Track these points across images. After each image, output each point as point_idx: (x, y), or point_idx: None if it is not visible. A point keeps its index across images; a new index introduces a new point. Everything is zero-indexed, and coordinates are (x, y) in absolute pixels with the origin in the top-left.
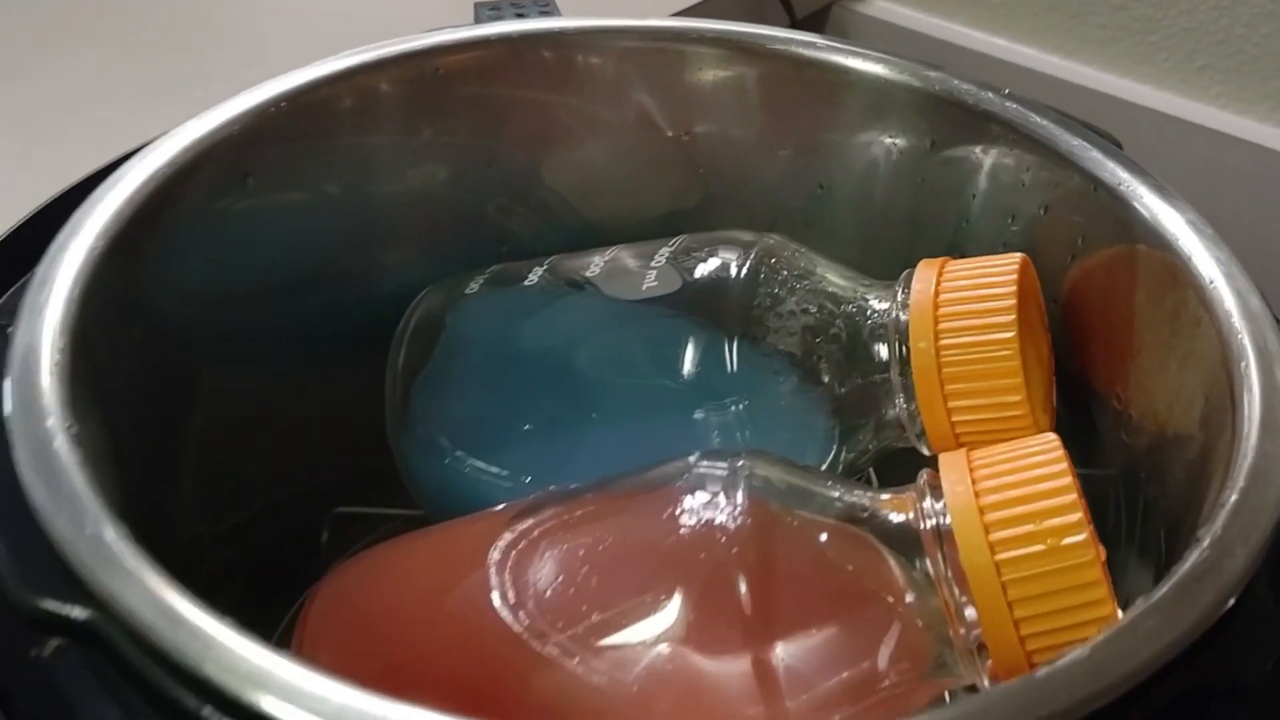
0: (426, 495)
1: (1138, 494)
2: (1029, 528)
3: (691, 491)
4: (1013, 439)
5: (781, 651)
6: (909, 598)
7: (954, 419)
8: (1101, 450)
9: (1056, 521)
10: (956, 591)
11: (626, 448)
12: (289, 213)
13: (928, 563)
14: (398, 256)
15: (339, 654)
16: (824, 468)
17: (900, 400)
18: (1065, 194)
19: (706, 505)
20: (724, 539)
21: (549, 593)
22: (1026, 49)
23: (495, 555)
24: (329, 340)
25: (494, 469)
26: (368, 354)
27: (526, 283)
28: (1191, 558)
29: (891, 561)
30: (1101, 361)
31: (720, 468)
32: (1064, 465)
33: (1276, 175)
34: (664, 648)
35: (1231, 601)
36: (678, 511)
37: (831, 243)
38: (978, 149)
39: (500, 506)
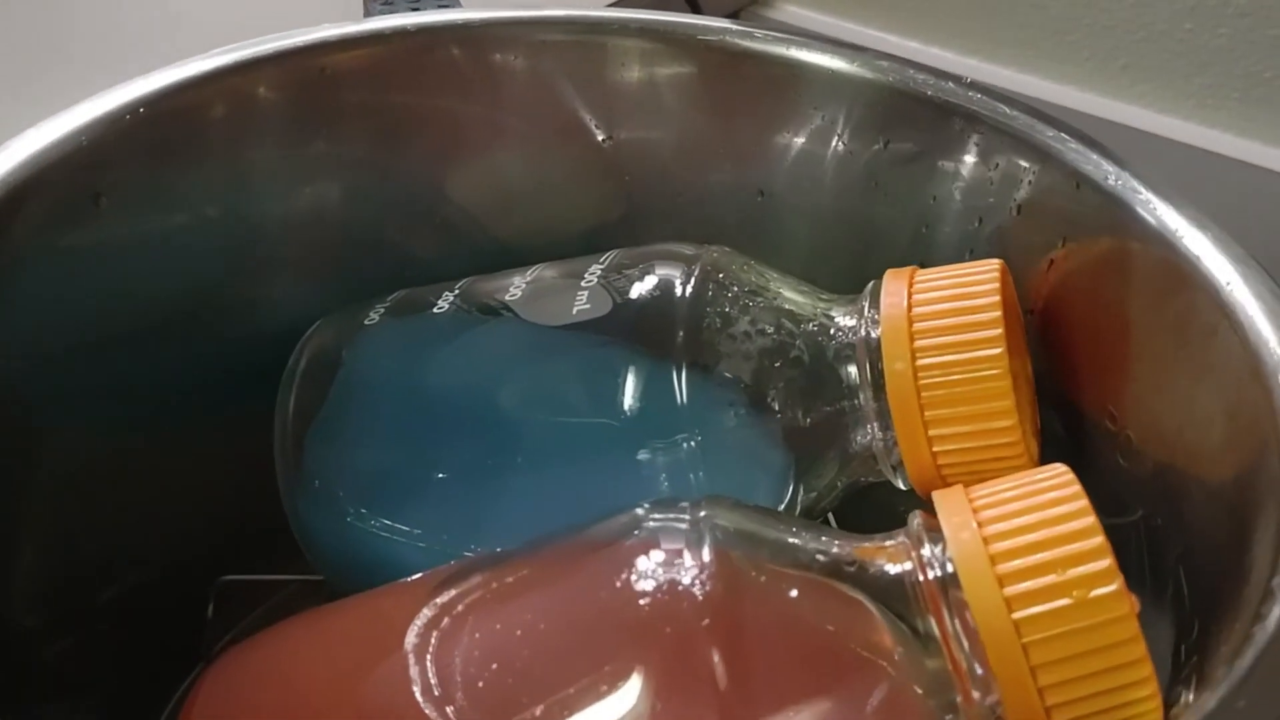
0: (326, 560)
1: (1139, 525)
2: (1050, 579)
3: (646, 550)
4: (1002, 469)
5: None
6: (907, 662)
7: (936, 449)
8: (1091, 478)
9: (1082, 570)
10: (967, 652)
11: (561, 498)
12: (150, 241)
13: (931, 621)
14: (284, 288)
15: None
16: (780, 509)
17: (873, 428)
18: (1042, 191)
19: (666, 567)
20: (691, 607)
21: (482, 682)
22: (944, 52)
23: (414, 637)
24: (204, 388)
25: (405, 528)
26: (252, 401)
27: (435, 310)
28: (1275, 614)
29: (884, 621)
30: (1089, 379)
31: (679, 520)
32: (1083, 502)
33: (1204, 174)
34: None
35: None
36: (632, 576)
37: (775, 256)
38: (938, 145)
39: (417, 576)
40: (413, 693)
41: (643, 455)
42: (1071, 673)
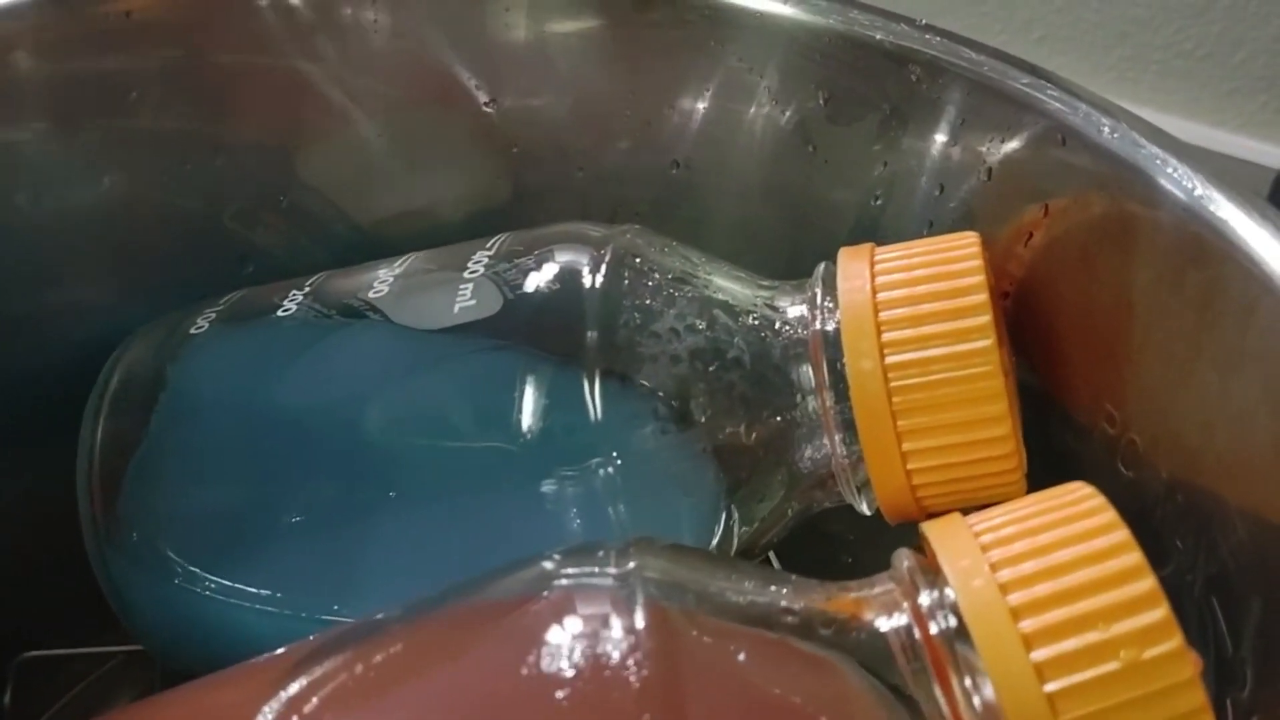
0: (148, 630)
1: (1158, 547)
2: (1092, 636)
3: (559, 618)
4: (993, 490)
5: None
6: None
7: (911, 465)
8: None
9: (1132, 624)
10: None
11: (447, 545)
12: None
13: (936, 692)
14: (87, 294)
15: None
16: (713, 546)
17: (834, 441)
18: (1018, 151)
19: (587, 641)
20: (625, 698)
21: None
22: None
23: None
24: None
25: (248, 589)
26: (51, 438)
27: (281, 313)
28: None
29: (872, 694)
30: (1080, 374)
31: (600, 575)
32: (1123, 534)
33: None
34: None
35: None
36: (542, 657)
37: (695, 239)
38: (888, 99)
39: (263, 657)
40: None
41: (548, 487)
42: None
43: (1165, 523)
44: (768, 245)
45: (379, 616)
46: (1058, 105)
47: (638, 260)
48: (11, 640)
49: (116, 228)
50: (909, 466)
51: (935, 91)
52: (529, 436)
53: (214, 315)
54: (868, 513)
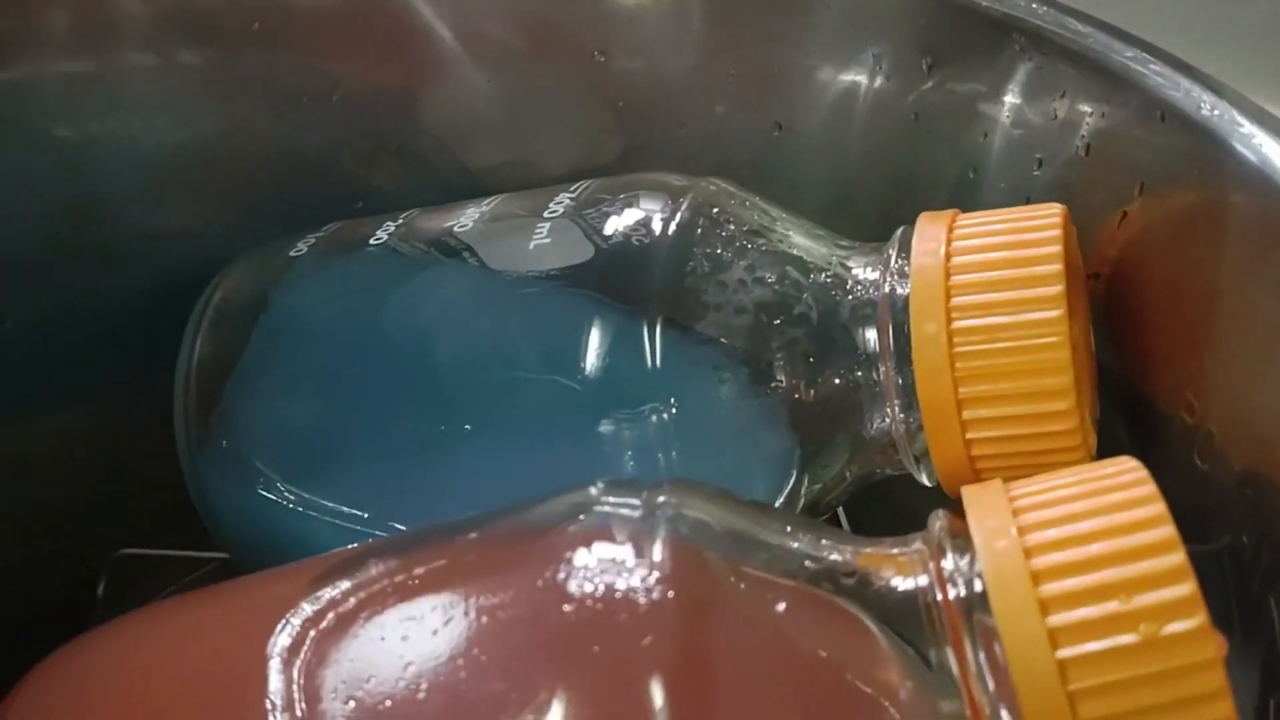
0: (230, 535)
1: (1218, 541)
2: (1111, 606)
3: (586, 543)
4: (1053, 465)
5: None
6: (915, 703)
7: (971, 435)
8: (1160, 482)
9: (1155, 597)
10: (992, 696)
11: (508, 473)
12: None
13: (948, 653)
14: (201, 219)
15: None
16: (779, 504)
17: (895, 409)
18: (1117, 126)
19: (607, 566)
20: (631, 622)
21: (351, 703)
22: None
23: (283, 641)
24: (99, 335)
25: (322, 501)
26: (156, 354)
27: (374, 241)
28: None
29: (890, 649)
30: (1164, 360)
31: (630, 506)
32: (1159, 507)
33: None
34: None
35: None
36: (563, 575)
37: (791, 204)
38: (992, 70)
39: (308, 559)
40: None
41: (605, 427)
42: None
43: (1233, 516)
44: (863, 214)
45: (426, 530)
46: (1159, 80)
47: (715, 210)
48: (111, 537)
49: (234, 157)
50: (968, 436)
51: (1038, 62)
52: (589, 377)
53: (314, 240)
54: (928, 484)
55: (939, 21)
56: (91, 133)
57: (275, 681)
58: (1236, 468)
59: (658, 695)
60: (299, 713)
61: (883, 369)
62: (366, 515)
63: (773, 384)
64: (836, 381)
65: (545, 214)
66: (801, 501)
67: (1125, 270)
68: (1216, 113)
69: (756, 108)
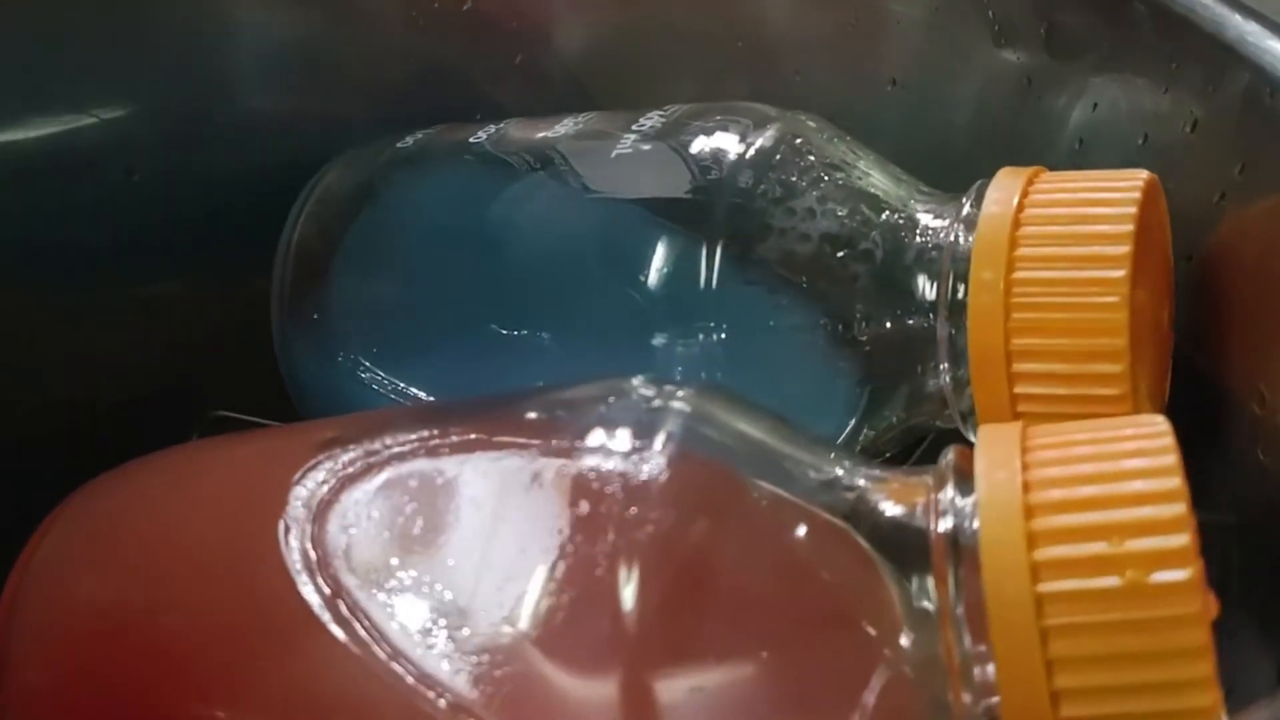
0: (311, 405)
1: (1266, 539)
2: (1100, 547)
3: (600, 427)
4: None
5: (677, 696)
6: (902, 635)
7: (1018, 389)
8: (1222, 475)
9: (1146, 544)
10: (967, 636)
11: (568, 375)
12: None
13: (929, 584)
14: (320, 109)
15: (64, 590)
16: (839, 443)
17: (944, 359)
18: (1225, 102)
19: (610, 446)
20: (610, 511)
21: (361, 551)
22: None
23: (308, 477)
24: (206, 209)
25: (396, 381)
26: (258, 232)
27: (472, 139)
28: None
29: (876, 572)
30: (1242, 349)
31: (650, 398)
32: (1170, 459)
33: None
34: (494, 657)
35: None
36: (569, 448)
37: (900, 160)
38: (1108, 39)
39: (348, 416)
40: (282, 551)
41: (658, 341)
42: (1101, 680)
43: None
44: (969, 178)
45: (465, 399)
46: (1271, 56)
47: (798, 141)
48: (206, 399)
49: (361, 55)
50: (1015, 390)
51: (1156, 32)
52: (648, 290)
53: (420, 136)
54: (975, 441)
55: None
56: (222, 19)
57: (293, 517)
58: None
59: (628, 584)
60: (311, 555)
61: (938, 316)
62: (426, 396)
63: (828, 319)
64: (893, 325)
65: (634, 127)
66: (858, 446)
67: (1217, 254)
68: None
69: (872, 59)
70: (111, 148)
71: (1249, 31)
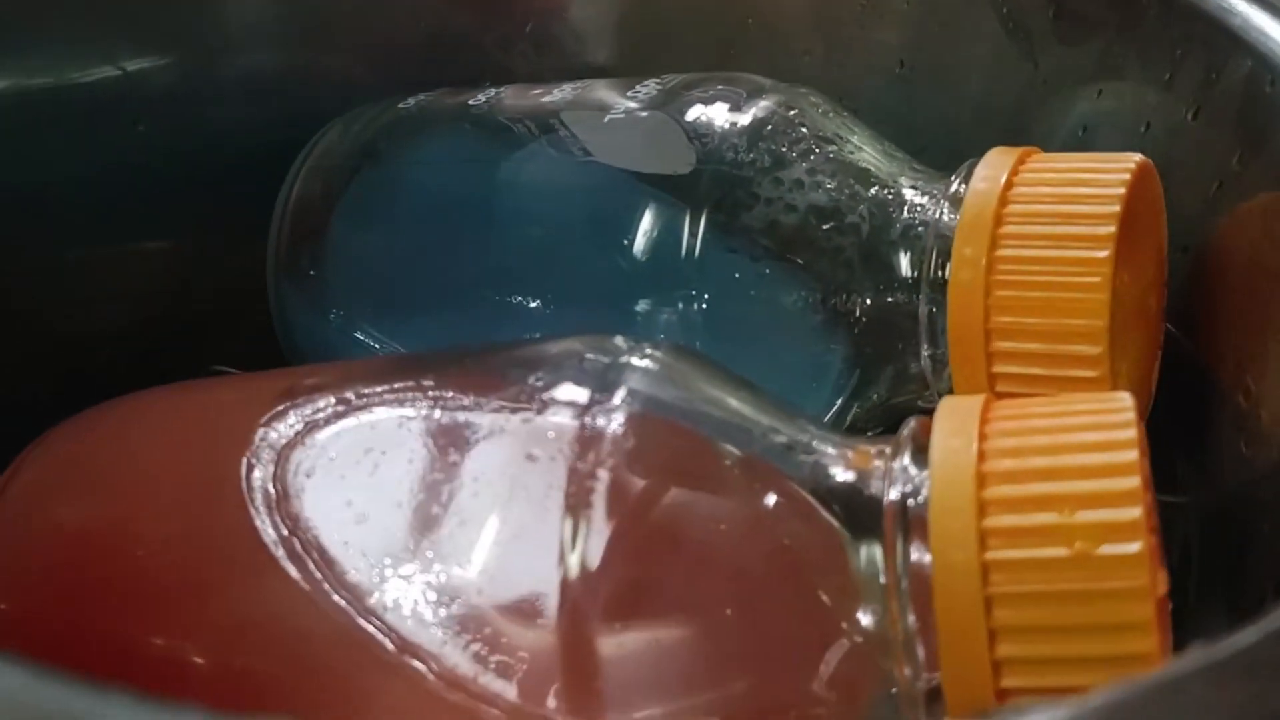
0: (301, 359)
1: (1253, 529)
2: (1050, 518)
3: (564, 381)
4: None
5: (619, 645)
6: (857, 604)
7: (995, 368)
8: (1208, 469)
9: (1097, 516)
10: (911, 606)
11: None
12: None
13: (876, 553)
14: (330, 66)
15: (34, 521)
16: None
17: (924, 335)
18: (1225, 90)
19: (566, 404)
20: (565, 460)
21: (319, 492)
22: None
23: (276, 428)
24: (209, 162)
25: (385, 338)
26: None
27: (471, 101)
28: None
29: (844, 546)
30: (1231, 340)
31: (615, 353)
32: (1129, 434)
33: None
34: (442, 598)
35: None
36: (526, 409)
37: (906, 143)
38: (1115, 25)
39: (318, 365)
40: (243, 490)
41: (642, 306)
42: (1044, 650)
43: (1262, 506)
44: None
45: (438, 350)
46: (1274, 44)
47: (792, 113)
48: (204, 354)
49: (375, 15)
50: (994, 369)
51: (1162, 19)
52: (633, 256)
53: (422, 98)
54: None
55: None
56: None
57: (258, 458)
58: (1274, 454)
59: (581, 513)
60: (270, 493)
61: (919, 294)
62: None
63: (811, 291)
64: (877, 301)
65: (629, 93)
66: (847, 422)
67: (1212, 244)
68: None
69: (881, 41)
70: (121, 98)
71: (1253, 18)
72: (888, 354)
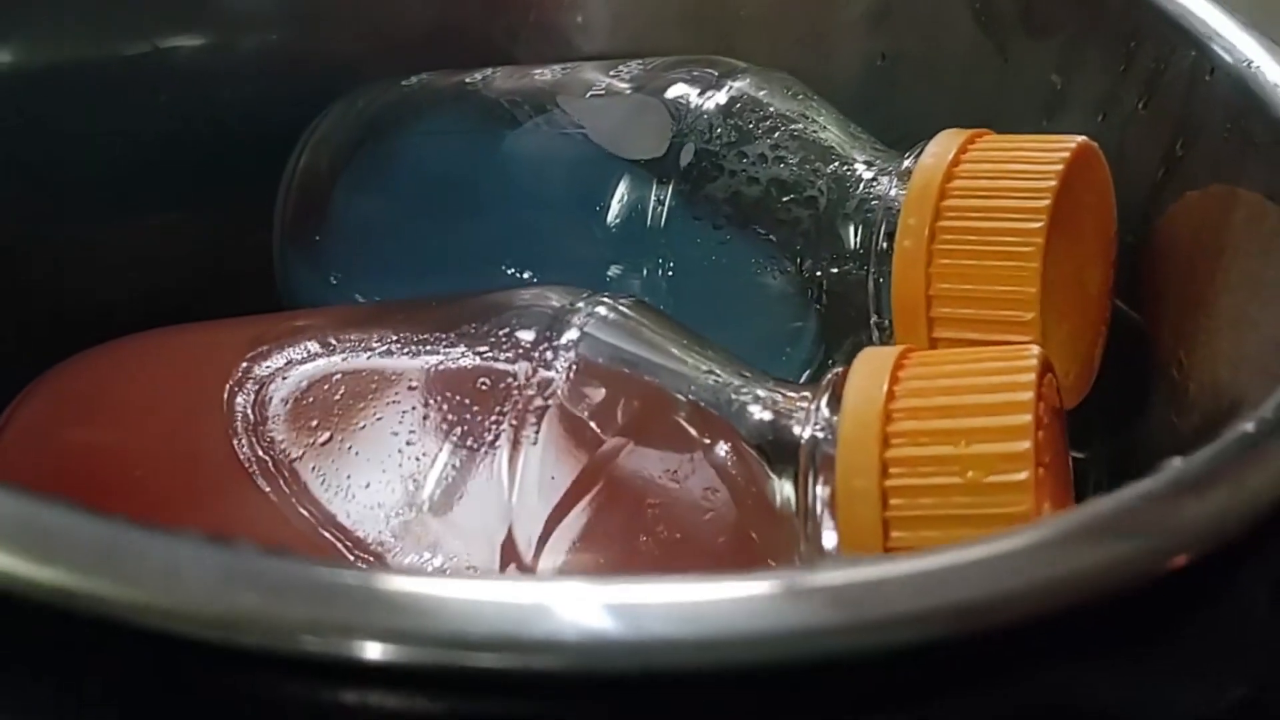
0: None
1: None
2: (946, 449)
3: (523, 326)
4: None
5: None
6: (774, 531)
7: (935, 334)
8: (1146, 442)
9: (989, 448)
10: (817, 517)
11: None
12: None
13: (787, 487)
14: (337, 48)
15: (38, 449)
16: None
17: (870, 303)
18: (1171, 81)
19: (520, 344)
20: (512, 393)
21: (293, 419)
22: None
23: (260, 363)
24: (216, 142)
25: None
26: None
27: (467, 82)
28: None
29: (769, 487)
30: (1169, 318)
31: (572, 300)
32: (1029, 376)
33: None
34: (394, 512)
35: None
36: (485, 347)
37: (888, 134)
38: (1078, 16)
39: (301, 311)
40: (225, 417)
41: (613, 272)
42: None
43: None
44: None
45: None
46: (1210, 32)
47: (762, 92)
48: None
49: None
50: (934, 334)
51: (1120, 11)
52: (608, 224)
53: (425, 77)
54: None
55: None
56: None
57: (243, 379)
58: (1196, 420)
59: (522, 439)
60: (249, 417)
61: (869, 267)
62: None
63: (771, 260)
64: (833, 271)
65: (610, 73)
66: None
67: (1159, 226)
68: (1257, 68)
69: (864, 33)
70: (139, 69)
71: (1196, 10)
72: (846, 325)
